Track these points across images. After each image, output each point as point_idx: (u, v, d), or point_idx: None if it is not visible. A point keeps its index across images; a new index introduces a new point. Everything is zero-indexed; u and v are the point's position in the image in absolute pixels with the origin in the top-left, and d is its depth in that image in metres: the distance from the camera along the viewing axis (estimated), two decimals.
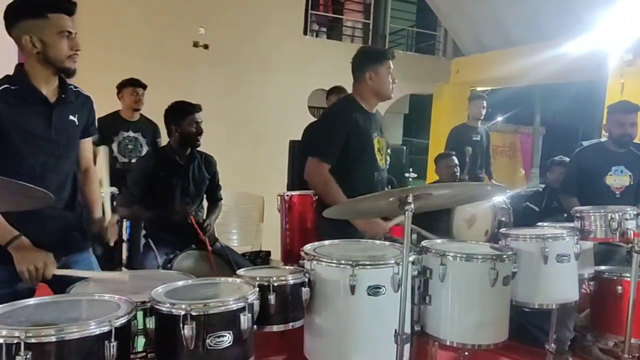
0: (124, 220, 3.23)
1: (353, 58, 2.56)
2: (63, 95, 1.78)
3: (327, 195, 2.41)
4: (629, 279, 2.18)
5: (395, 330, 1.59)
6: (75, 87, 1.88)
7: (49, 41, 1.68)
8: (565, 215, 3.13)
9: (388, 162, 2.71)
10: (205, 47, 6.52)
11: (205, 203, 3.08)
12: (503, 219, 3.43)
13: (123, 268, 3.07)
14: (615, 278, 2.46)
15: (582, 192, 3.12)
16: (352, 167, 2.45)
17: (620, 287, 2.39)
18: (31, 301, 1.46)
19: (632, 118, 3.13)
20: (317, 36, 8.19)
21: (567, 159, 3.76)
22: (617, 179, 3.10)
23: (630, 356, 2.20)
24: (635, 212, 2.21)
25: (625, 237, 2.21)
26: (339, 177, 2.41)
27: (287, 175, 4.76)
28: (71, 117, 1.82)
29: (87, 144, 1.97)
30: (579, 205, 2.77)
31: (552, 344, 2.55)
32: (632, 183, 3.11)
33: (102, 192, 2.01)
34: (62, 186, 1.81)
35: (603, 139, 3.32)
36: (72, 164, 1.87)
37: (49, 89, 1.76)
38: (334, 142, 2.44)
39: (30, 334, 1.19)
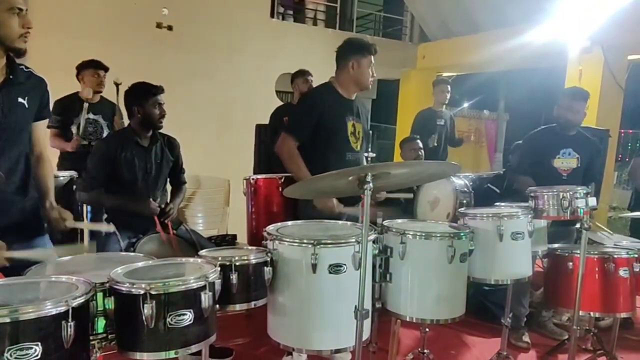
0: (85, 204, 3.17)
1: (339, 46, 2.70)
2: (11, 77, 1.70)
3: (291, 169, 2.61)
4: (578, 255, 2.29)
5: (355, 307, 1.63)
6: (27, 68, 1.79)
7: None
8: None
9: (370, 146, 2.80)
10: (169, 28, 6.36)
11: (169, 187, 3.04)
12: (464, 202, 3.52)
13: (85, 253, 3.01)
14: (566, 255, 2.58)
15: (532, 174, 3.20)
16: (324, 147, 2.60)
17: (570, 263, 2.51)
18: None
19: (580, 106, 3.20)
20: (283, 19, 8.10)
21: None
22: (565, 161, 3.21)
23: (579, 328, 2.33)
24: (585, 192, 2.32)
25: (576, 215, 2.32)
26: (312, 156, 2.57)
27: (253, 159, 4.74)
28: (20, 100, 1.74)
29: (40, 127, 1.90)
30: (534, 183, 2.86)
31: (508, 319, 2.66)
32: (579, 165, 3.23)
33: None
34: (12, 170, 1.75)
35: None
36: (23, 147, 1.80)
37: None
38: (302, 122, 2.64)
39: None
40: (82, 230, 2.70)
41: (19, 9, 1.63)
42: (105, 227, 1.90)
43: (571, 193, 2.33)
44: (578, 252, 2.32)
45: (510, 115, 12.64)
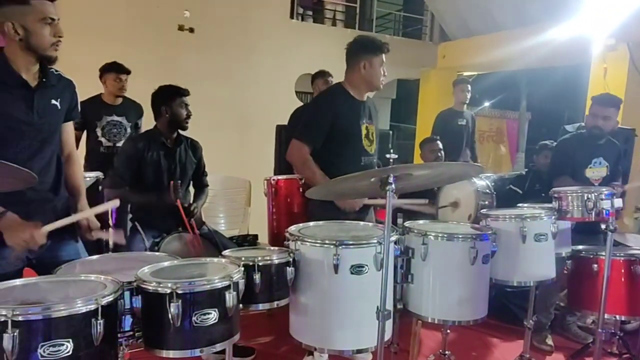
0: None
1: (348, 45, 2.59)
2: (44, 79, 1.77)
3: (306, 175, 2.57)
4: (604, 257, 2.25)
5: (377, 307, 1.64)
6: (57, 71, 1.86)
7: (31, 28, 1.66)
8: (543, 195, 3.13)
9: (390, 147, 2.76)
10: (191, 30, 6.45)
11: (192, 190, 3.09)
12: (486, 203, 3.49)
13: (110, 252, 3.08)
14: (591, 256, 2.54)
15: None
16: (338, 152, 2.52)
17: (595, 265, 2.47)
18: (18, 282, 1.48)
19: (607, 111, 3.08)
20: (302, 20, 8.13)
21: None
22: (596, 171, 3.12)
23: (604, 331, 2.29)
24: (610, 193, 2.27)
25: (601, 216, 2.28)
26: (327, 161, 2.48)
27: (274, 160, 4.77)
28: (53, 101, 1.82)
29: (69, 128, 1.96)
30: (574, 182, 2.78)
31: (531, 321, 2.63)
32: (608, 173, 3.14)
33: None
34: (45, 170, 1.81)
35: (582, 129, 3.30)
36: (55, 148, 1.87)
37: (29, 74, 1.74)
38: (316, 127, 2.52)
39: (17, 312, 1.20)
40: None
41: (51, 18, 1.68)
42: (112, 204, 1.96)
43: (596, 194, 2.29)
44: (603, 253, 2.28)
45: (532, 115, 12.45)
